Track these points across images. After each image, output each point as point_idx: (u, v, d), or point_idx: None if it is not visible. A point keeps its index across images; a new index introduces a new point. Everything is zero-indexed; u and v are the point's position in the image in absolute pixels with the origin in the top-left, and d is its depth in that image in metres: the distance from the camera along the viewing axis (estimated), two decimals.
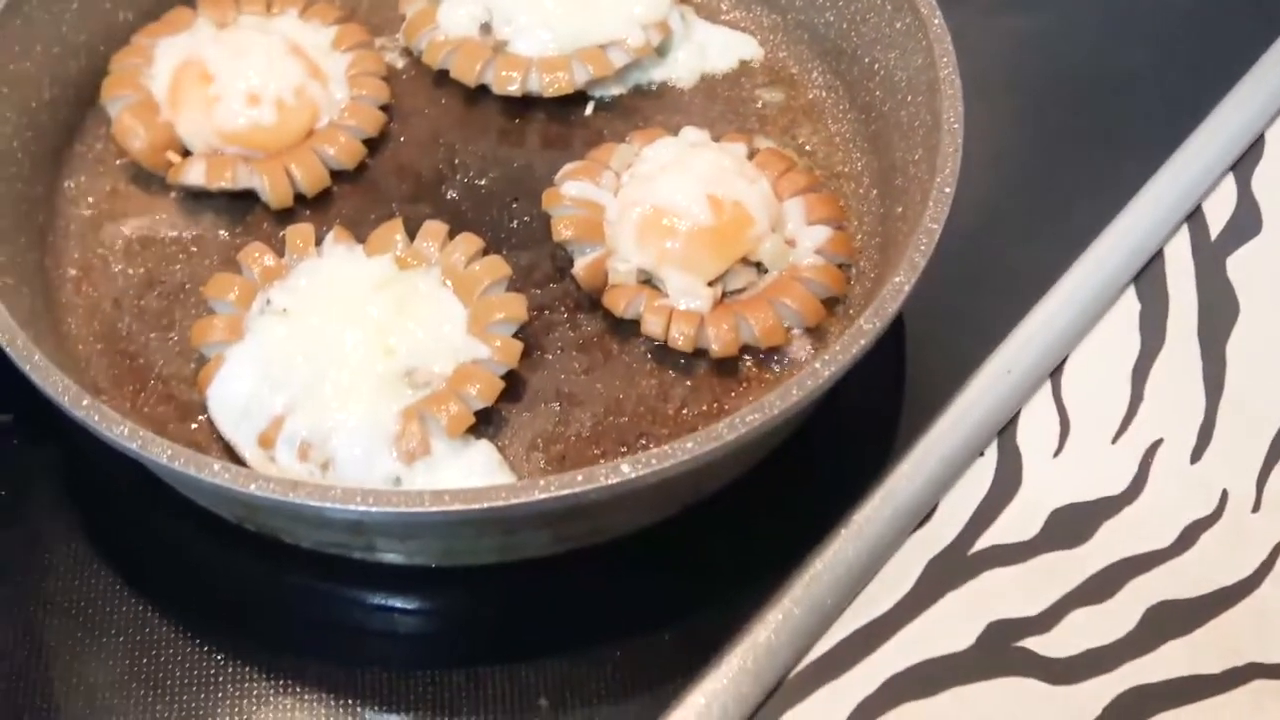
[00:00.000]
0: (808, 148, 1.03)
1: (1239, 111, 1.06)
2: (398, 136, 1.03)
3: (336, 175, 1.00)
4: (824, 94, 1.05)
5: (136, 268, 0.96)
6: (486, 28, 1.03)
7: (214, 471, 0.76)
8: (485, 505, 0.75)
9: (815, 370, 0.80)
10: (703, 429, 0.77)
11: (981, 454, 0.92)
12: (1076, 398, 0.94)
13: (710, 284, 0.92)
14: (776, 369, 0.92)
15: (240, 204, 0.98)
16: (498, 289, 0.92)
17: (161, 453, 0.76)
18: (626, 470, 0.76)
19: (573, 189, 0.95)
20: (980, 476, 0.91)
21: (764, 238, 0.93)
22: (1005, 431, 0.93)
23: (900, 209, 0.93)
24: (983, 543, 0.89)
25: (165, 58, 1.01)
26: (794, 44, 1.08)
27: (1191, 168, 1.03)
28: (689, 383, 0.92)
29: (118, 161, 1.01)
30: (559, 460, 0.88)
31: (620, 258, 0.93)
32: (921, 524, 0.89)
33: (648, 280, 0.94)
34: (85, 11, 1.01)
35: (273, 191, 0.97)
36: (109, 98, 0.99)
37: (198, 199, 0.99)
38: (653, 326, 0.91)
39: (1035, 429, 0.93)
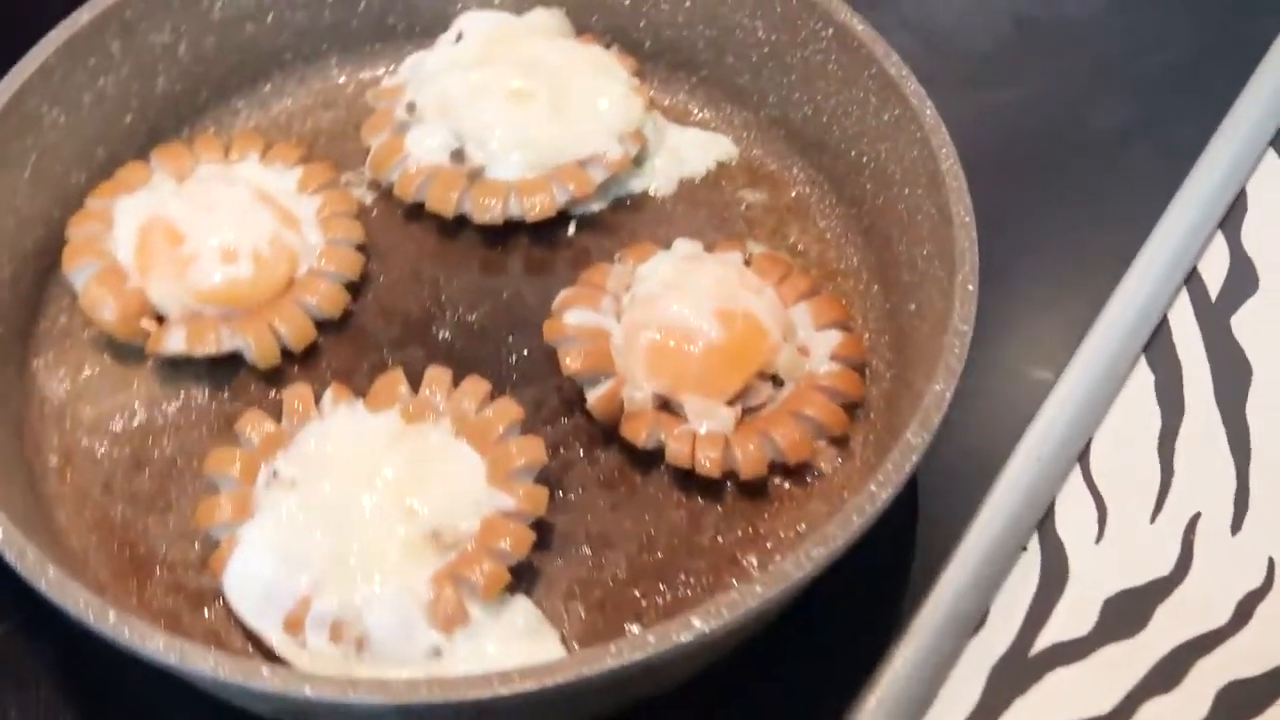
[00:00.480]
0: (800, 248, 1.00)
1: (1219, 165, 1.06)
2: (377, 277, 0.99)
3: (321, 325, 0.95)
4: (808, 190, 1.03)
5: (121, 448, 0.91)
6: (459, 155, 0.99)
7: (264, 678, 0.71)
8: (565, 678, 0.70)
9: (872, 494, 0.76)
10: (745, 559, 0.78)
11: (1024, 549, 0.90)
12: (1108, 479, 0.93)
13: (729, 403, 0.90)
14: (807, 483, 0.89)
15: (223, 366, 0.94)
16: (512, 433, 0.88)
17: (205, 664, 0.71)
18: (699, 625, 0.72)
19: (574, 318, 0.92)
20: (1027, 573, 0.89)
21: (778, 349, 0.90)
22: (1044, 524, 0.91)
23: (913, 305, 0.91)
24: (1042, 642, 0.86)
25: (126, 219, 0.96)
26: (770, 140, 1.06)
27: (1181, 228, 1.03)
28: (719, 509, 0.89)
29: (86, 334, 0.96)
30: (599, 608, 0.85)
31: (634, 385, 0.90)
32: (977, 630, 0.87)
33: (663, 405, 0.90)
34: (38, 178, 0.95)
35: (259, 352, 0.92)
36: (72, 268, 0.94)
37: (176, 366, 0.94)
38: (678, 455, 0.88)
39: (1073, 516, 0.91)
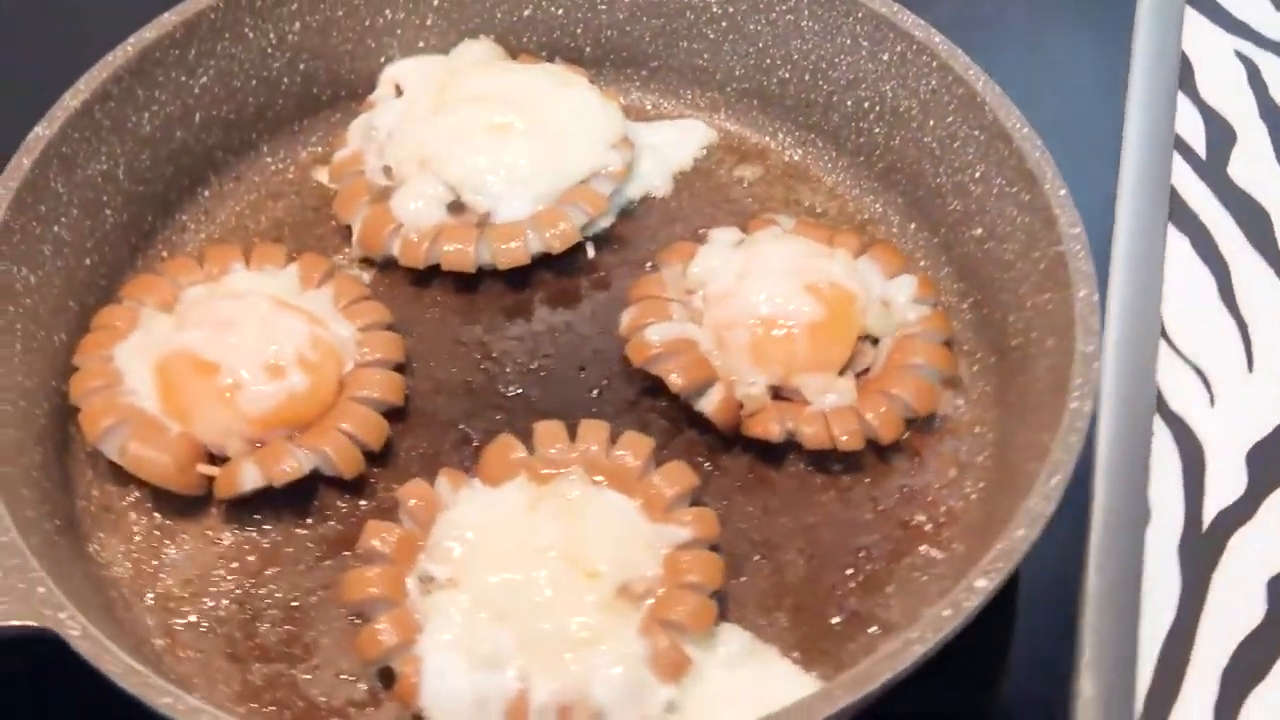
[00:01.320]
0: (818, 209, 0.99)
1: (1153, 34, 1.09)
2: (416, 353, 0.92)
3: (386, 417, 0.88)
4: (800, 152, 1.01)
5: (223, 608, 0.82)
6: (457, 205, 0.93)
7: None
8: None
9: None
10: (915, 518, 0.81)
11: (1154, 434, 0.90)
12: (1194, 346, 0.94)
13: (840, 374, 0.87)
14: (935, 429, 0.88)
15: (296, 491, 0.85)
16: (650, 466, 0.83)
17: None
18: (983, 584, 0.70)
19: (656, 334, 0.87)
20: (1166, 457, 0.90)
21: (867, 308, 0.88)
22: (1160, 406, 0.92)
23: (978, 230, 0.90)
24: (1208, 514, 0.87)
25: (133, 366, 0.86)
26: (743, 113, 1.03)
27: (1147, 97, 1.05)
28: (866, 479, 0.86)
29: (127, 500, 0.86)
30: (797, 610, 0.81)
31: (745, 383, 0.86)
32: (1147, 523, 0.87)
33: (776, 393, 0.87)
34: (27, 349, 0.84)
35: (342, 461, 0.84)
36: (98, 436, 0.83)
37: (244, 505, 0.85)
38: (815, 438, 0.85)
39: (1180, 390, 0.93)
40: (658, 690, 0.76)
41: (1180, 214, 1.00)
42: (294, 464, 0.83)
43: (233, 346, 0.85)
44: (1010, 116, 0.87)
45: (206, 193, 0.99)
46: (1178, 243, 0.99)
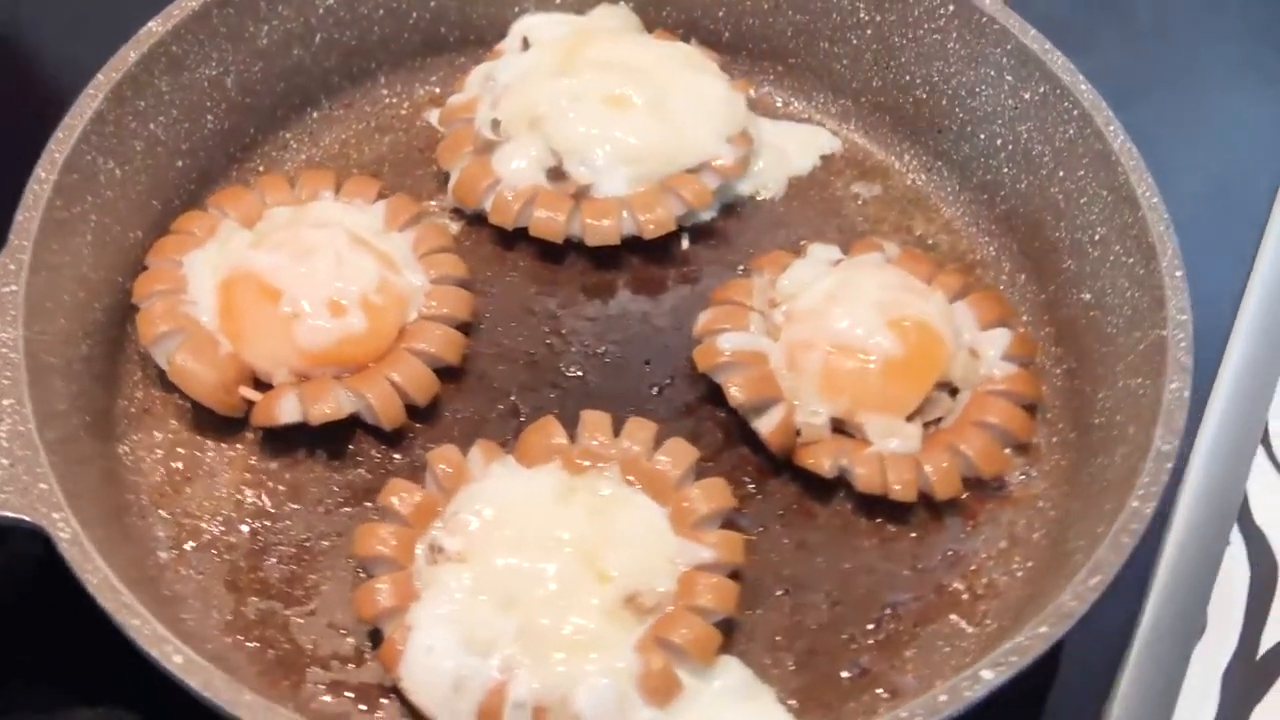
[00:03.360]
0: (929, 240, 0.94)
1: None
2: (485, 315, 0.89)
3: (439, 374, 0.86)
4: (924, 178, 0.97)
5: (236, 534, 0.81)
6: (557, 172, 0.90)
7: None
8: None
9: (1135, 510, 0.70)
10: (952, 585, 0.77)
11: (1228, 543, 0.84)
12: None
13: (909, 419, 0.83)
14: (999, 495, 0.83)
15: (335, 431, 0.84)
16: (690, 477, 0.80)
17: None
18: (989, 676, 0.66)
19: (728, 343, 0.84)
20: (1236, 570, 0.84)
21: (954, 356, 0.83)
22: (1242, 515, 0.86)
23: (1087, 295, 0.85)
24: (1267, 641, 0.81)
25: (201, 277, 0.85)
26: (874, 128, 0.99)
27: None
28: (912, 534, 0.82)
29: (170, 409, 0.85)
30: (808, 656, 0.78)
31: (807, 410, 0.82)
32: (1200, 636, 0.81)
33: (838, 426, 0.83)
34: (99, 241, 0.84)
35: (383, 411, 0.82)
36: (153, 340, 0.83)
37: (280, 436, 0.84)
38: (868, 481, 0.81)
39: (1270, 503, 0.86)
40: (641, 711, 0.73)
41: None
42: (334, 405, 0.82)
43: (300, 276, 0.83)
44: (1142, 183, 0.81)
45: (315, 115, 0.98)
46: None
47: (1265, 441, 0.88)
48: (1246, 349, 0.91)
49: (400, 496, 0.79)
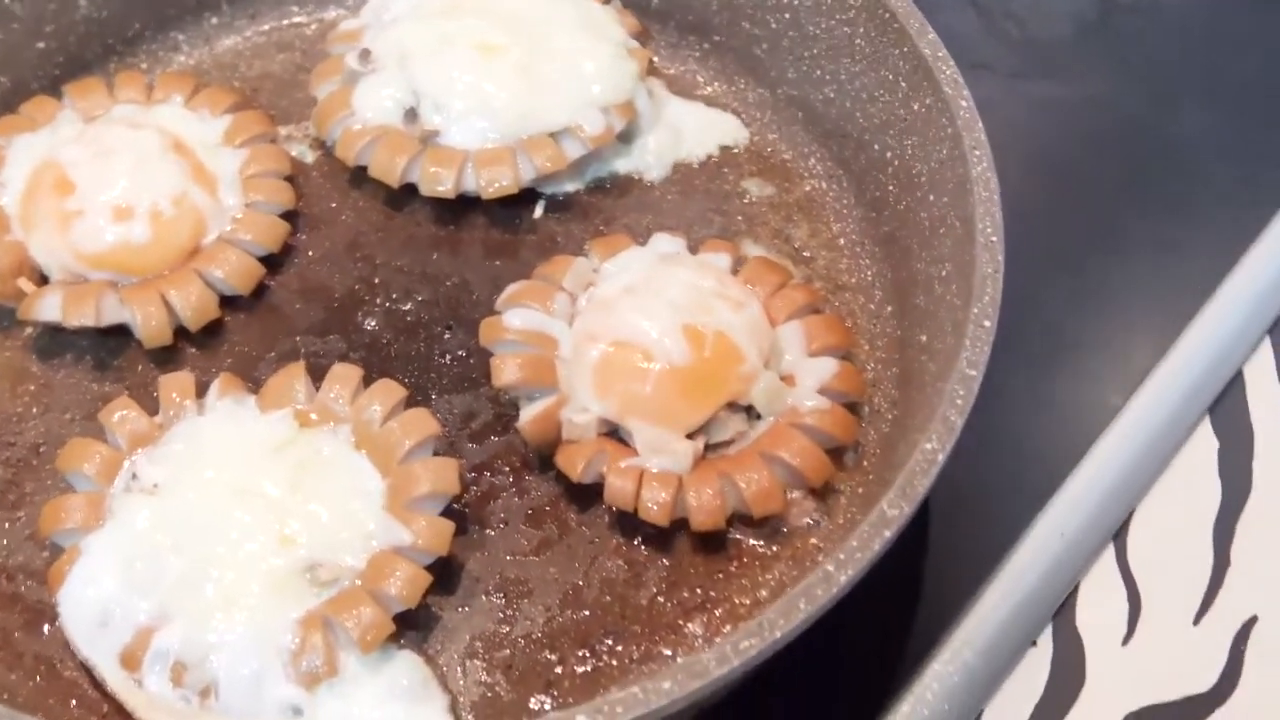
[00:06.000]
0: (806, 253, 0.85)
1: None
2: (305, 250, 0.85)
3: (228, 302, 0.81)
4: (824, 185, 0.87)
5: None
6: (412, 114, 0.85)
7: None
8: None
9: (828, 574, 0.61)
10: (688, 626, 0.68)
11: (1034, 643, 0.74)
12: (1147, 566, 0.77)
13: (690, 436, 0.74)
14: (776, 539, 0.74)
15: (110, 341, 0.80)
16: (423, 452, 0.73)
17: None
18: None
19: (517, 319, 0.77)
20: (1033, 673, 0.73)
21: (755, 376, 0.75)
22: (1061, 613, 0.75)
23: (923, 337, 0.75)
24: None
25: (20, 159, 0.83)
26: (786, 124, 0.90)
27: (1271, 264, 0.85)
28: (665, 561, 0.74)
29: None
30: (503, 670, 0.70)
31: (576, 406, 0.75)
32: None
33: (611, 432, 0.75)
34: None
35: (146, 328, 0.78)
36: None
37: (57, 335, 0.80)
38: (619, 494, 0.73)
39: (1098, 608, 0.75)
40: (286, 688, 0.67)
41: (1228, 411, 0.82)
42: (94, 311, 0.78)
43: (98, 174, 0.80)
44: (987, 216, 0.71)
45: (214, 20, 0.94)
46: (1205, 443, 0.80)
47: (1119, 537, 0.77)
48: (1137, 428, 0.80)
49: (121, 415, 0.74)
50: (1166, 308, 0.84)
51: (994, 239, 0.70)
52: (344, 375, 0.75)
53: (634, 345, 0.74)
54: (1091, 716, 0.72)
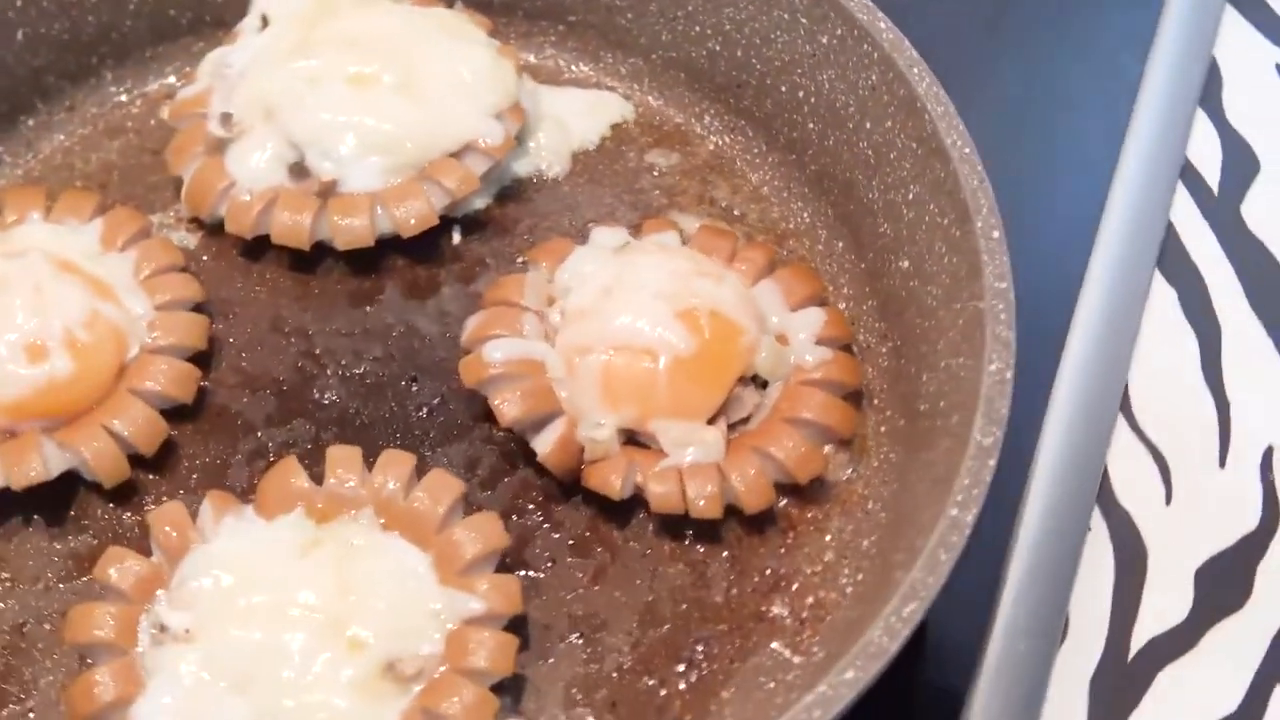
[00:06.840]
0: (736, 211, 0.83)
1: (1181, 35, 0.91)
2: (227, 341, 0.78)
3: (171, 415, 0.74)
4: (727, 140, 0.86)
5: None
6: (299, 168, 0.79)
7: None
8: None
9: (954, 519, 0.60)
10: (772, 609, 0.68)
11: (1089, 528, 0.74)
12: (1159, 427, 0.78)
13: (709, 422, 0.72)
14: (821, 499, 0.72)
15: (52, 492, 0.72)
16: (456, 513, 0.69)
17: None
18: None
19: (498, 351, 0.73)
20: (1099, 558, 0.74)
21: (756, 345, 0.73)
22: (1102, 495, 0.76)
23: (904, 263, 0.75)
24: (1138, 639, 0.71)
25: None
26: (669, 88, 0.88)
27: (1159, 111, 0.88)
28: (724, 553, 0.72)
29: None
30: (609, 708, 0.67)
31: (590, 423, 0.71)
32: (1061, 640, 0.71)
33: (630, 438, 0.72)
34: None
35: (100, 467, 0.71)
36: None
37: None
38: (665, 499, 0.70)
39: (1132, 478, 0.76)
40: None
41: (1173, 260, 0.83)
42: (38, 467, 0.70)
43: None
44: (952, 131, 0.70)
45: (31, 122, 0.86)
46: (1162, 296, 0.82)
47: (1125, 408, 0.78)
48: (1100, 307, 0.81)
49: (118, 568, 0.67)
50: (1085, 172, 0.86)
51: (967, 150, 0.70)
52: (344, 458, 0.70)
53: (634, 346, 0.71)
54: (1166, 581, 0.73)
